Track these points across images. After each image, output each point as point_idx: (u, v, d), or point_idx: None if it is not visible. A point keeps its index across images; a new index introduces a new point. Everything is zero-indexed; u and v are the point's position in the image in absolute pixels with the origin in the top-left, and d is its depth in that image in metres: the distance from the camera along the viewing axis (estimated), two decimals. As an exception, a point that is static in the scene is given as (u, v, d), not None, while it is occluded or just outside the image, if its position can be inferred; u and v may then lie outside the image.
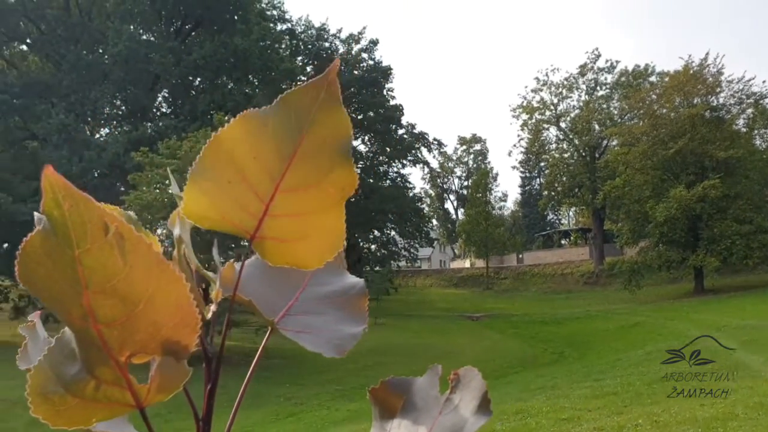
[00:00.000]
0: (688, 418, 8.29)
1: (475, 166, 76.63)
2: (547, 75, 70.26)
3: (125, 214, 0.61)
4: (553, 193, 53.97)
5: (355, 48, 52.13)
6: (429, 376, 0.69)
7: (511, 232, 59.96)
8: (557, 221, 77.64)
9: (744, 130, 37.91)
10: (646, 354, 16.47)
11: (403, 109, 52.15)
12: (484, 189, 56.47)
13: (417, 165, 57.69)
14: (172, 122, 32.80)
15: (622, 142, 41.09)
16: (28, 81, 32.22)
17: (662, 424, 8.26)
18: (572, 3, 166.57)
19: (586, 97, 52.99)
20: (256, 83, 37.77)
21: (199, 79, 37.14)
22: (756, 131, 39.51)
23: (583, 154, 51.20)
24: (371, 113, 51.07)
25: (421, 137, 55.13)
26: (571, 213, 73.01)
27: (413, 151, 55.11)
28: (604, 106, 51.68)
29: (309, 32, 51.07)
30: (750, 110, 38.10)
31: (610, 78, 52.84)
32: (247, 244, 0.61)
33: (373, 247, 52.73)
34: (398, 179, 54.46)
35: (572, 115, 52.91)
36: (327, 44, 51.16)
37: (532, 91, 55.19)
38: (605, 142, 50.23)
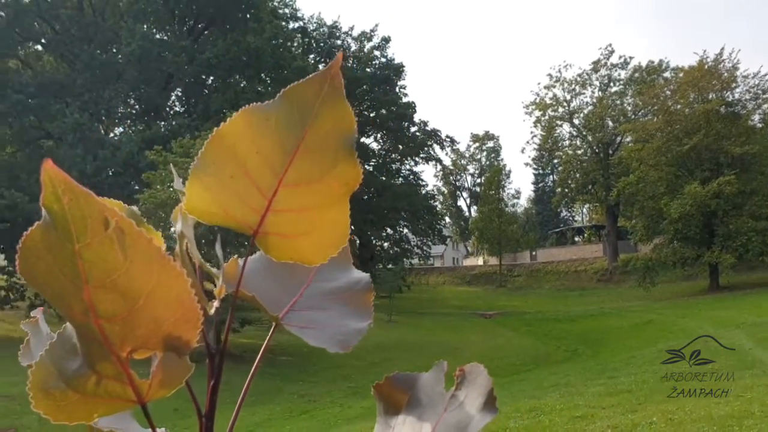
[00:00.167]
0: (703, 416, 8.22)
1: (488, 163, 76.42)
2: (559, 71, 69.70)
3: (127, 209, 0.61)
4: (566, 190, 53.72)
5: (367, 45, 52.15)
6: (434, 372, 0.68)
7: (525, 230, 59.76)
8: (571, 218, 77.31)
9: (760, 125, 37.54)
10: (660, 351, 16.36)
11: (415, 106, 52.08)
12: (497, 186, 56.31)
13: (430, 162, 57.64)
14: (186, 121, 32.94)
15: (635, 138, 40.87)
16: (43, 81, 32.42)
17: (677, 422, 8.20)
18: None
19: (600, 93, 52.71)
20: (269, 81, 37.82)
21: (212, 77, 37.26)
22: (772, 126, 39.14)
23: (597, 150, 50.93)
24: (383, 111, 51.03)
25: (434, 134, 55.04)
26: (584, 210, 72.62)
27: (426, 149, 55.04)
28: (618, 102, 51.37)
29: (321, 30, 51.12)
30: (766, 105, 37.76)
31: (623, 74, 52.59)
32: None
33: (385, 244, 52.75)
34: (411, 177, 54.44)
35: (585, 111, 52.66)
36: (339, 42, 51.15)
37: (545, 87, 55.02)
38: (619, 138, 49.96)
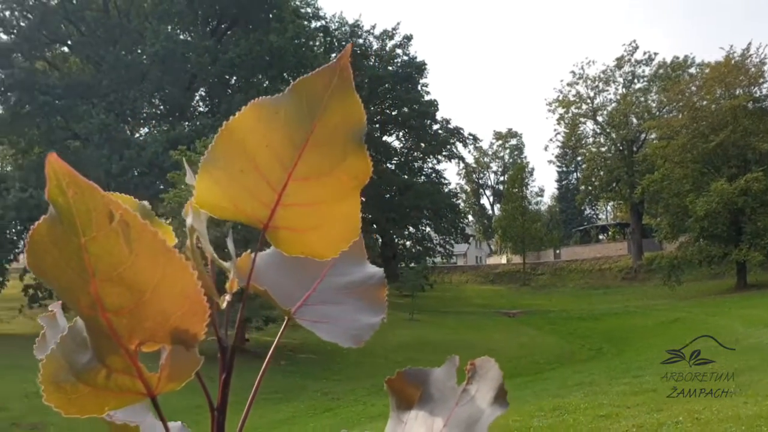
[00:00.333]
0: (731, 416, 8.11)
1: (511, 160, 76.06)
2: (582, 68, 69.30)
3: (139, 205, 0.61)
4: (590, 188, 53.31)
5: (389, 44, 52.19)
6: (446, 367, 0.68)
7: (548, 228, 59.31)
8: (595, 216, 76.67)
9: (789, 121, 36.94)
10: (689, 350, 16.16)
11: (437, 104, 52.01)
12: (521, 184, 55.99)
13: (452, 160, 57.58)
14: (209, 121, 33.16)
15: (660, 135, 40.43)
16: (69, 82, 32.84)
17: (703, 421, 8.10)
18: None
19: (624, 90, 52.18)
20: (291, 81, 37.89)
21: (235, 77, 37.51)
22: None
23: (621, 147, 50.46)
24: (405, 109, 51.01)
25: (456, 132, 54.90)
26: (608, 208, 71.99)
27: (448, 147, 54.93)
28: (642, 98, 50.81)
29: (343, 29, 51.21)
30: (795, 101, 37.12)
31: (647, 70, 51.98)
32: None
33: (408, 243, 52.70)
34: (433, 175, 54.35)
35: (609, 108, 52.18)
36: (361, 41, 51.20)
37: (568, 84, 54.64)
38: (643, 135, 49.45)
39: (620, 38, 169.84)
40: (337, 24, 51.25)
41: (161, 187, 26.91)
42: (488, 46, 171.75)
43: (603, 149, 52.56)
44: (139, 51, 34.88)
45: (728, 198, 32.22)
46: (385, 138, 53.37)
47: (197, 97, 39.93)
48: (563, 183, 75.43)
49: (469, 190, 79.09)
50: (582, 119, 53.81)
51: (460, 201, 63.57)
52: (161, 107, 38.58)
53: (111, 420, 0.59)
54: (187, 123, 35.04)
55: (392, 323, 29.69)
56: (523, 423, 9.12)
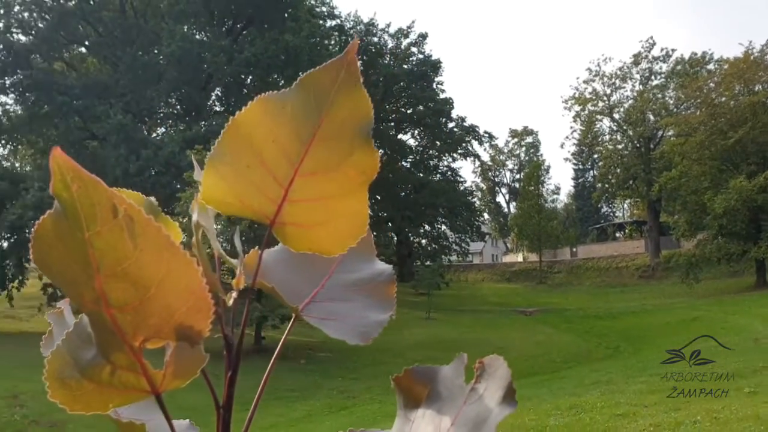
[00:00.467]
0: (750, 415, 8.02)
1: (526, 158, 75.74)
2: (599, 65, 68.92)
3: (145, 200, 0.61)
4: (606, 186, 52.94)
5: (404, 42, 52.09)
6: (455, 365, 0.67)
7: (565, 226, 58.96)
8: (611, 214, 76.16)
9: (810, 117, 36.47)
10: (710, 348, 15.99)
11: (453, 102, 51.88)
12: (537, 182, 55.71)
13: (468, 158, 57.40)
14: (225, 120, 33.23)
15: (678, 132, 40.06)
16: (87, 82, 33.12)
17: (722, 420, 8.02)
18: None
19: (640, 87, 51.71)
20: (306, 80, 38.02)
21: (250, 77, 37.65)
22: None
23: (638, 145, 50.03)
24: (421, 107, 50.95)
25: (472, 130, 54.72)
26: (625, 205, 71.50)
27: (464, 145, 54.80)
28: (659, 95, 50.32)
29: (358, 28, 51.15)
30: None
31: (665, 67, 51.43)
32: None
33: (423, 241, 52.64)
34: (449, 173, 54.26)
35: (626, 105, 51.74)
36: (376, 39, 51.16)
37: (584, 82, 54.15)
38: (660, 132, 49.00)
39: (637, 35, 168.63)
40: (352, 23, 51.29)
41: (178, 186, 27.09)
42: (504, 43, 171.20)
43: (620, 147, 52.17)
44: (156, 51, 35.11)
45: (747, 195, 31.86)
46: (400, 136, 53.35)
47: (213, 97, 40.13)
48: (579, 181, 75.03)
49: (484, 188, 78.85)
50: (598, 116, 53.44)
51: (475, 199, 63.46)
52: (177, 107, 38.82)
53: (117, 418, 0.59)
54: (203, 122, 35.22)
55: (408, 322, 29.74)
56: (540, 422, 9.08)
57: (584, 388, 12.67)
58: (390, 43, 52.13)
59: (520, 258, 63.49)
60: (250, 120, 0.57)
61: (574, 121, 54.82)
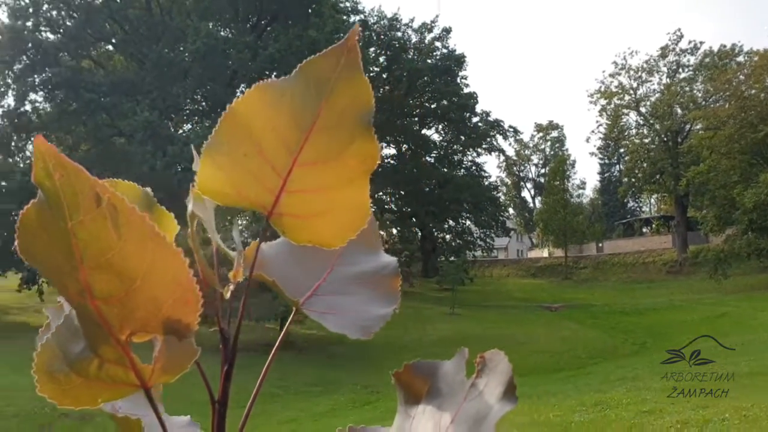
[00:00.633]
0: (780, 413, 7.89)
1: (552, 153, 75.18)
2: (625, 59, 68.14)
3: (142, 191, 0.60)
4: (633, 180, 52.35)
5: (428, 37, 51.93)
6: (456, 360, 0.65)
7: (590, 221, 58.44)
8: (638, 209, 75.33)
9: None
10: (738, 345, 15.76)
11: (477, 96, 51.63)
12: (562, 176, 55.28)
13: (492, 153, 57.09)
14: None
15: (706, 125, 39.49)
16: (114, 80, 33.48)
17: (752, 418, 7.88)
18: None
19: (668, 80, 50.98)
20: (330, 75, 38.14)
21: (275, 73, 37.76)
22: None
23: (665, 139, 49.37)
24: (445, 102, 50.76)
25: (497, 125, 54.44)
26: (652, 200, 70.59)
27: (488, 139, 54.54)
28: (687, 88, 49.55)
29: (381, 23, 51.08)
30: None
31: (693, 60, 50.59)
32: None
33: (447, 236, 52.49)
34: (473, 168, 54.01)
35: (653, 99, 51.08)
36: (399, 34, 51.07)
37: (610, 75, 53.64)
38: (688, 126, 48.33)
39: (664, 28, 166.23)
40: (375, 18, 51.16)
41: (204, 182, 27.28)
42: (528, 37, 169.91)
43: (646, 141, 51.55)
44: (181, 48, 35.35)
45: (779, 189, 31.34)
46: (424, 131, 53.21)
47: (238, 93, 40.04)
48: (605, 175, 74.30)
49: (509, 182, 78.41)
50: (625, 110, 52.84)
51: (500, 194, 63.07)
52: (203, 103, 39.07)
53: (114, 412, 0.58)
54: (228, 119, 35.36)
55: (432, 317, 29.71)
56: (565, 418, 9.01)
57: (610, 384, 12.56)
58: (414, 38, 52.01)
59: (545, 253, 63.05)
60: (248, 108, 0.56)
61: (600, 115, 54.35)
